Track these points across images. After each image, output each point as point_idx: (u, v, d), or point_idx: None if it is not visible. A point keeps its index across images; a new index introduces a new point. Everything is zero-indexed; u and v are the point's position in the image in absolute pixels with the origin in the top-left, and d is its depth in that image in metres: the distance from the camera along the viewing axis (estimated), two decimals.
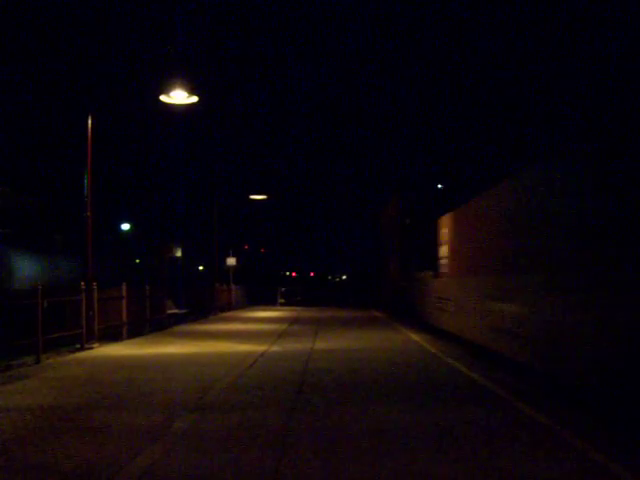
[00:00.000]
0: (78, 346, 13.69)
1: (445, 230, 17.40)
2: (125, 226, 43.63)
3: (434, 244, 18.98)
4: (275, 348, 13.85)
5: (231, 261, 34.87)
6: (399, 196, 32.87)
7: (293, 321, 23.53)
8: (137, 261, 43.04)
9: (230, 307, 32.52)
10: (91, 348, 13.82)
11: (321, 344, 14.62)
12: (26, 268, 26.11)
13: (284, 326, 20.80)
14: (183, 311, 22.92)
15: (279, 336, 16.91)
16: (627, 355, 6.53)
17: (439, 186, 43.76)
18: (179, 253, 43.39)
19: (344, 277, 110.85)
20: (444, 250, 17.50)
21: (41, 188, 32.12)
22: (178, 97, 15.91)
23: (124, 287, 16.63)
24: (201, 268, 48.45)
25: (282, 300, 46.22)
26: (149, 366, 11.16)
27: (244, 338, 16.37)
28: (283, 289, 50.90)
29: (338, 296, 55.72)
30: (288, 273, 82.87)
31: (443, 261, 17.66)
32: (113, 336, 15.78)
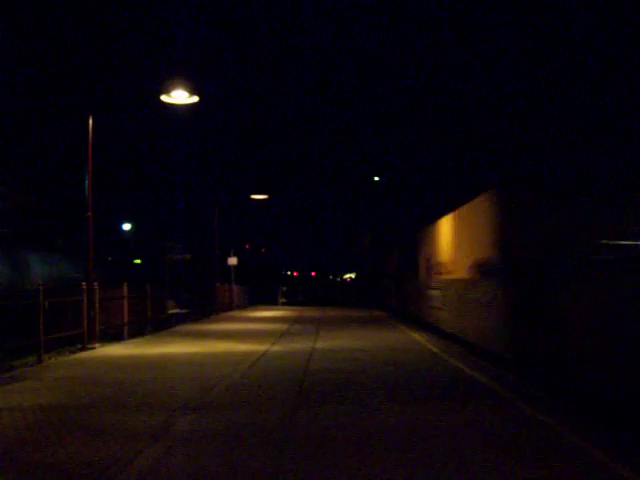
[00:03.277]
0: (80, 346, 13.71)
1: (440, 232, 17.68)
2: (126, 226, 43.64)
3: (430, 247, 19.28)
4: (276, 348, 13.86)
5: (232, 261, 34.86)
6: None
7: (294, 321, 23.53)
8: (138, 261, 43.03)
9: (231, 307, 32.53)
10: (92, 348, 13.83)
11: (322, 343, 14.63)
12: (26, 268, 26.12)
13: (285, 326, 20.80)
14: (184, 311, 22.92)
15: (280, 336, 16.92)
16: None
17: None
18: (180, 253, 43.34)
19: (346, 277, 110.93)
20: (439, 252, 17.71)
21: (41, 188, 32.13)
22: (179, 97, 15.90)
23: (125, 287, 16.64)
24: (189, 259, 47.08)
25: (283, 300, 46.21)
26: (150, 366, 11.16)
27: (245, 338, 16.38)
28: (284, 289, 50.89)
29: (339, 296, 55.72)
30: (289, 273, 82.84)
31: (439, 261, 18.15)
32: (114, 336, 15.79)
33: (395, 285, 30.70)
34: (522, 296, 10.11)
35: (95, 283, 14.56)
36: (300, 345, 14.30)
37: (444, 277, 16.44)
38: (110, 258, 37.86)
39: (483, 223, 12.42)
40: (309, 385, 8.93)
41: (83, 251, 15.17)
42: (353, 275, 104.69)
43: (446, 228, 16.52)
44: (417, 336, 16.35)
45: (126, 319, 16.46)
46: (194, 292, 25.90)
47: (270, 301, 43.56)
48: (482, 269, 12.22)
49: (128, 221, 43.38)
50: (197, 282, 31.52)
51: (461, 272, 14.30)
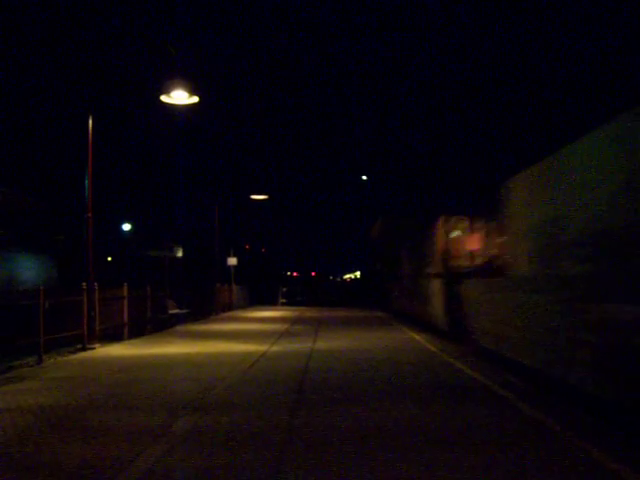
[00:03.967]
0: (80, 346, 13.71)
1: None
2: (126, 226, 43.65)
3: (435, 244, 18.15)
4: (276, 348, 13.86)
5: (232, 261, 34.86)
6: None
7: (294, 321, 23.53)
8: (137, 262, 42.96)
9: (231, 307, 32.53)
10: (92, 348, 13.83)
11: (322, 344, 14.63)
12: (26, 269, 26.16)
13: (285, 326, 20.80)
14: (184, 311, 22.91)
15: (280, 336, 16.92)
16: None
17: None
18: (180, 253, 43.39)
19: (346, 277, 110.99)
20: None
21: (41, 189, 32.14)
22: (179, 97, 15.90)
23: (125, 287, 16.65)
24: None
25: (283, 300, 46.23)
26: (150, 366, 11.17)
27: (245, 338, 16.38)
28: (284, 289, 50.88)
29: (339, 296, 55.73)
30: (289, 273, 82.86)
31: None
32: (114, 336, 15.80)
33: (395, 286, 27.45)
34: None
35: (95, 283, 14.57)
36: (300, 345, 14.31)
37: None
38: (110, 258, 37.84)
39: None
40: (309, 385, 8.94)
41: (84, 251, 15.16)
42: (353, 275, 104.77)
43: None
44: (417, 336, 16.35)
45: (126, 319, 16.46)
46: (194, 292, 25.90)
47: (270, 301, 43.58)
48: None
49: (128, 221, 43.40)
50: (197, 282, 31.54)
51: None
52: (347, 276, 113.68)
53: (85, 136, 14.87)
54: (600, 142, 7.71)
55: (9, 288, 22.95)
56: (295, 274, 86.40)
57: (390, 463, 5.19)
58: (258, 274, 50.04)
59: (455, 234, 16.14)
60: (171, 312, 21.27)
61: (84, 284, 14.23)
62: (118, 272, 33.45)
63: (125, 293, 16.57)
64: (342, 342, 15.11)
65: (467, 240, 15.63)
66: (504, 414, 7.00)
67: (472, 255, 15.19)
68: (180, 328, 20.26)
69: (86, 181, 14.82)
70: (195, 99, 16.08)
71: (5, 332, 11.28)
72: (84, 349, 13.66)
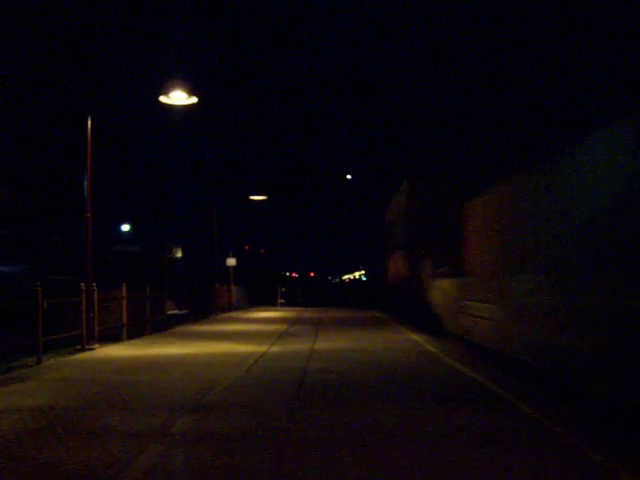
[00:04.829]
0: (79, 347, 13.69)
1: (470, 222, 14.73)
2: (125, 227, 43.63)
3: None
4: (275, 349, 13.86)
5: (231, 262, 34.83)
6: (411, 182, 25.47)
7: (293, 322, 23.52)
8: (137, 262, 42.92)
9: (230, 308, 32.50)
10: (92, 349, 13.81)
11: (321, 344, 14.62)
12: (25, 269, 26.14)
13: (284, 326, 20.79)
14: (183, 312, 22.88)
15: (279, 337, 16.91)
16: None
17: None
18: (179, 254, 43.35)
19: (344, 277, 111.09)
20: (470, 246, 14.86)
21: (41, 189, 32.12)
22: (178, 98, 15.89)
23: (124, 288, 16.63)
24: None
25: (282, 300, 46.15)
26: (150, 367, 11.15)
27: (244, 339, 16.37)
28: (283, 289, 50.81)
29: (339, 297, 55.70)
30: (288, 274, 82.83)
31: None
32: (113, 337, 15.78)
33: (393, 286, 25.70)
34: None
35: (94, 284, 14.54)
36: (299, 346, 14.30)
37: None
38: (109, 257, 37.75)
39: None
40: (308, 386, 8.93)
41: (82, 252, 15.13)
42: (351, 276, 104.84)
43: None
44: (416, 337, 16.35)
45: (125, 320, 16.43)
46: (193, 293, 25.86)
47: (269, 302, 43.50)
48: None
49: (127, 222, 43.38)
50: (196, 283, 31.49)
51: None
52: (346, 277, 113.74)
53: (84, 136, 14.84)
54: None
55: (8, 287, 22.92)
56: (294, 275, 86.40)
57: (390, 463, 5.19)
58: (257, 275, 50.00)
59: None
60: (170, 313, 21.25)
61: (83, 284, 14.22)
62: (118, 273, 33.43)
63: (124, 294, 16.56)
64: (341, 343, 15.09)
65: None
66: (502, 414, 7.00)
67: None
68: (179, 329, 20.24)
69: (85, 181, 14.79)
70: (194, 99, 16.06)
71: (4, 332, 11.26)
72: (83, 350, 13.64)
